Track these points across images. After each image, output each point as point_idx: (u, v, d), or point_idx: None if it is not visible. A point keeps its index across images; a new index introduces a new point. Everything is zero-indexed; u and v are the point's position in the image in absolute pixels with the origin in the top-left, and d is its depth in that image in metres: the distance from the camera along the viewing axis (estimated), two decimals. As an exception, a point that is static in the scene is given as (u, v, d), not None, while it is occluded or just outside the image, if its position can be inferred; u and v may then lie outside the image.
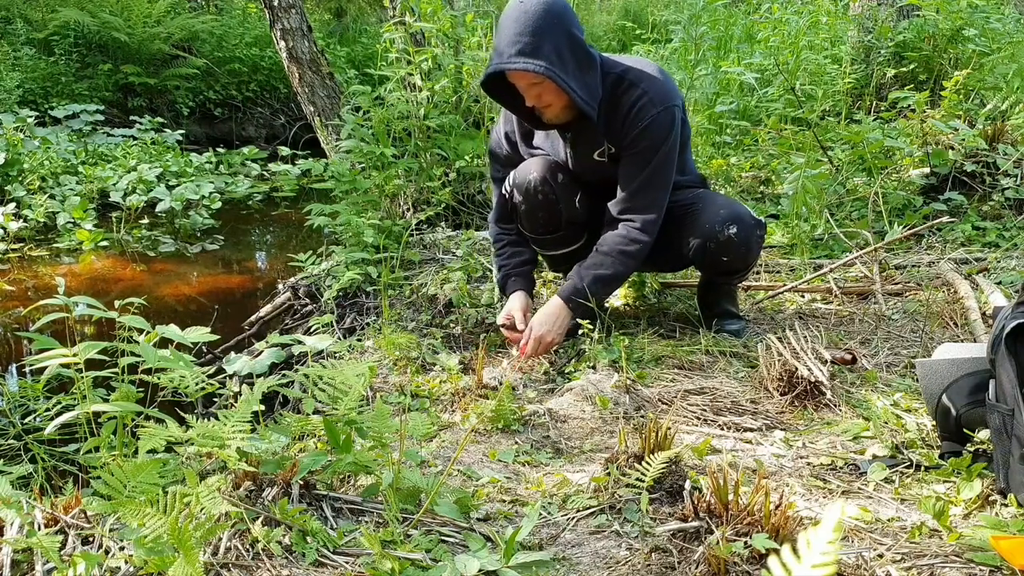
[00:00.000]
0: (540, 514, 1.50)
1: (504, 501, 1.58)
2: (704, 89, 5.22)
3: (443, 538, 1.40)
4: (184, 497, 1.25)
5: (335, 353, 2.50)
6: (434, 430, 1.95)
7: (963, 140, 3.71)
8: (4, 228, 4.94)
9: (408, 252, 3.29)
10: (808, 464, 1.74)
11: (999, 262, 3.04)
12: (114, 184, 5.94)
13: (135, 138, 7.29)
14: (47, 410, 2.06)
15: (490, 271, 3.03)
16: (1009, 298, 2.47)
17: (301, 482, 1.46)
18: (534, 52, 2.15)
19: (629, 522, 1.46)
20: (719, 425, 1.97)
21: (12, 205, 5.25)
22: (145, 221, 5.63)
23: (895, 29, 5.36)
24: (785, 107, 4.53)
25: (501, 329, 2.51)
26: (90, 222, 5.24)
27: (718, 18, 6.11)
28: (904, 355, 2.36)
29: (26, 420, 2.21)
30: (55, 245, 4.95)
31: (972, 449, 1.62)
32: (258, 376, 2.06)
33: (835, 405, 2.03)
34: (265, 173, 7.32)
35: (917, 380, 1.91)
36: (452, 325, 2.69)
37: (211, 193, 6.11)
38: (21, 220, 5.13)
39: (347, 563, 1.31)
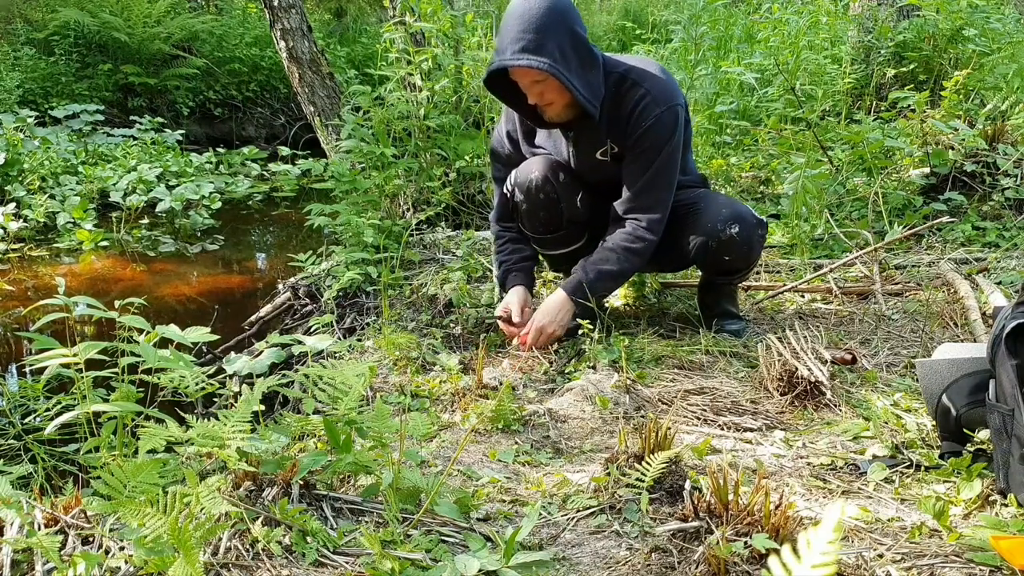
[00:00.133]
0: (540, 514, 1.49)
1: (504, 501, 1.58)
2: (704, 89, 5.22)
3: (443, 538, 1.40)
4: (184, 497, 1.25)
5: (335, 353, 2.50)
6: (434, 430, 1.95)
7: (963, 140, 3.71)
8: (4, 228, 4.94)
9: (408, 252, 3.29)
10: (808, 464, 1.74)
11: (999, 262, 3.04)
12: (114, 184, 5.94)
13: (135, 138, 7.29)
14: (47, 410, 2.06)
15: (490, 271, 3.03)
16: (1009, 298, 2.47)
17: (301, 482, 1.46)
18: (538, 49, 2.15)
19: (629, 522, 1.46)
20: (719, 425, 1.97)
21: (12, 205, 5.25)
22: (145, 221, 5.63)
23: (895, 29, 5.36)
24: (785, 107, 4.52)
25: (498, 322, 2.51)
26: (90, 222, 5.24)
27: (718, 18, 6.11)
28: (904, 355, 2.36)
29: (26, 420, 2.21)
30: (55, 245, 4.95)
31: (972, 449, 1.62)
32: (258, 376, 2.06)
33: (835, 405, 2.03)
34: (265, 173, 7.32)
35: (917, 380, 1.91)
36: (452, 325, 2.69)
37: (211, 193, 6.12)
38: (21, 220, 5.13)
39: (347, 563, 1.31)
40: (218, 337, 1.70)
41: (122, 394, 1.55)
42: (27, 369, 3.09)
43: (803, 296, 2.93)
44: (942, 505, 1.42)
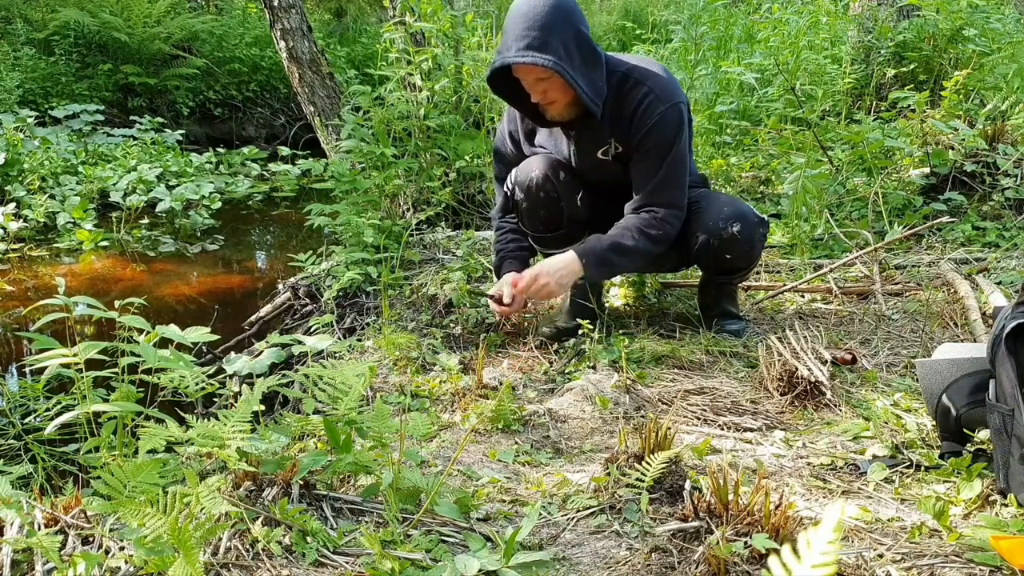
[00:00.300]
0: (540, 514, 1.50)
1: (504, 501, 1.58)
2: (704, 89, 5.22)
3: (443, 538, 1.40)
4: (184, 497, 1.25)
5: (335, 353, 2.50)
6: (434, 430, 1.95)
7: (963, 140, 3.71)
8: (4, 228, 4.94)
9: (408, 252, 3.29)
10: (808, 464, 1.74)
11: (999, 262, 3.04)
12: (114, 184, 5.94)
13: (135, 138, 7.29)
14: (47, 410, 2.06)
15: (490, 271, 3.03)
16: (1009, 298, 2.47)
17: (301, 482, 1.46)
18: (542, 47, 2.15)
19: (629, 522, 1.46)
20: (719, 425, 1.97)
21: (12, 205, 5.25)
22: (145, 221, 5.63)
23: (895, 29, 5.36)
24: (785, 107, 4.53)
25: (488, 300, 2.50)
26: (90, 222, 5.24)
27: (718, 18, 6.11)
28: (904, 355, 2.36)
29: (26, 420, 2.21)
30: (55, 245, 4.95)
31: (972, 449, 1.62)
32: (258, 376, 2.06)
33: (835, 405, 2.03)
34: (265, 173, 7.32)
35: (917, 380, 1.91)
36: (452, 325, 2.69)
37: (211, 193, 6.11)
38: (21, 220, 5.13)
39: (347, 563, 1.31)
40: (218, 337, 1.70)
41: (122, 394, 1.55)
42: (27, 369, 3.09)
43: (803, 296, 2.93)
44: (942, 505, 1.42)
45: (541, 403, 2.12)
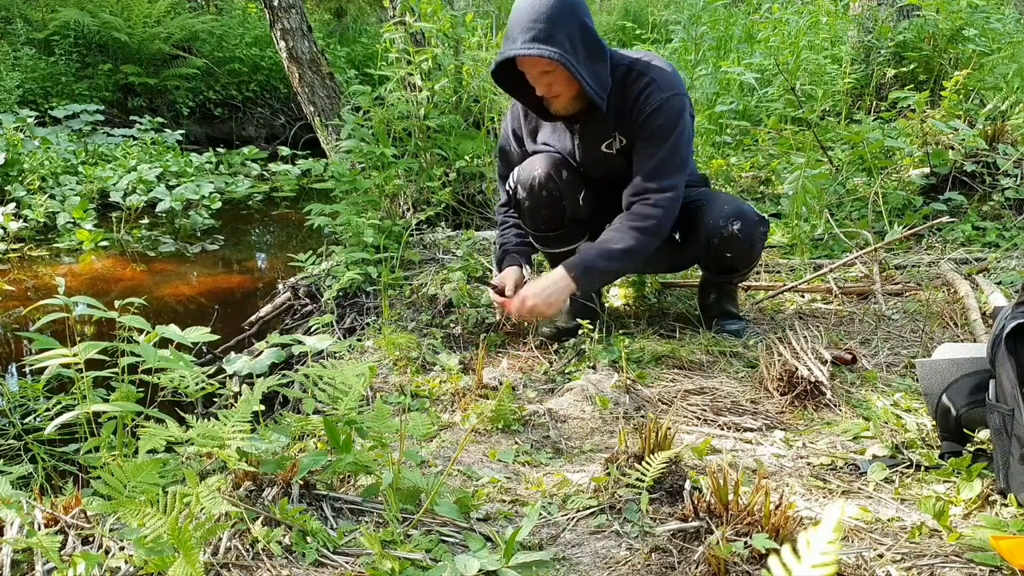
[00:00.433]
0: (540, 514, 1.49)
1: (504, 501, 1.58)
2: (704, 89, 5.22)
3: (443, 538, 1.40)
4: (184, 497, 1.25)
5: (335, 353, 2.50)
6: (434, 430, 1.95)
7: (963, 140, 3.71)
8: (4, 228, 4.94)
9: (408, 252, 3.29)
10: (808, 464, 1.74)
11: (999, 262, 3.04)
12: (114, 184, 5.94)
13: (135, 138, 7.29)
14: (47, 410, 2.06)
15: (490, 271, 3.03)
16: (1009, 298, 2.47)
17: (301, 482, 1.46)
18: (548, 39, 2.16)
19: (629, 522, 1.46)
20: (719, 425, 1.97)
21: (12, 205, 5.25)
22: (145, 221, 5.63)
23: (895, 29, 5.36)
24: (785, 107, 4.52)
25: (491, 292, 2.50)
26: (90, 222, 5.24)
27: (718, 18, 6.11)
28: (904, 355, 2.36)
29: (26, 420, 2.21)
30: (55, 245, 4.95)
31: (972, 449, 1.62)
32: (258, 376, 2.06)
33: (835, 405, 2.03)
34: (265, 173, 7.32)
35: (917, 380, 1.91)
36: (452, 325, 2.69)
37: (211, 193, 6.12)
38: (21, 220, 5.13)
39: (347, 563, 1.31)
40: (218, 337, 1.70)
41: (122, 394, 1.55)
42: (27, 369, 3.09)
43: (803, 296, 2.93)
44: (942, 505, 1.42)
45: (541, 403, 2.12)
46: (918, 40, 5.26)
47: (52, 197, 5.51)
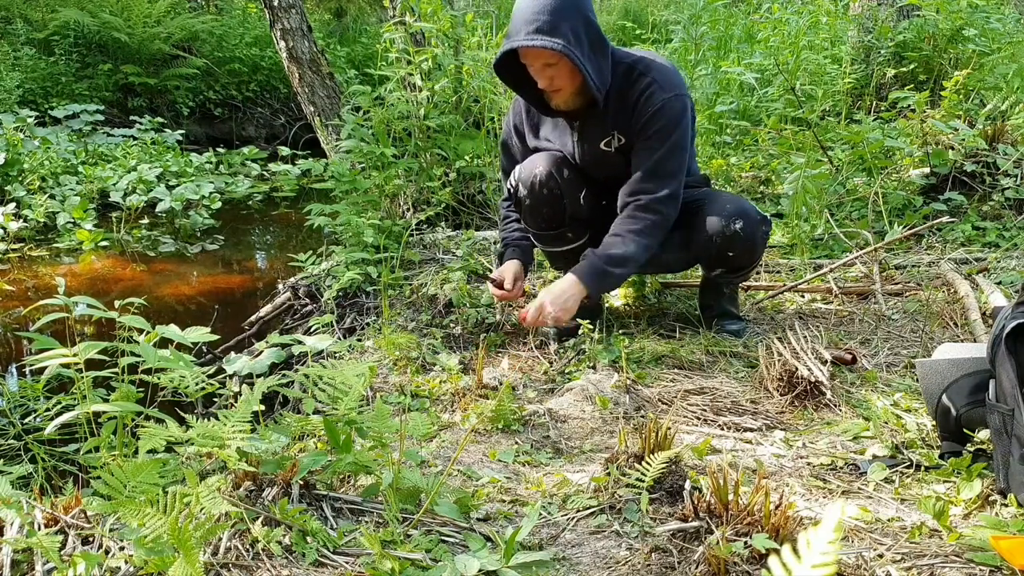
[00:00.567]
0: (540, 514, 1.50)
1: (504, 501, 1.58)
2: (704, 89, 5.22)
3: (443, 538, 1.40)
4: (184, 497, 1.25)
5: (335, 353, 2.50)
6: (434, 430, 1.95)
7: (963, 140, 3.71)
8: (4, 228, 4.94)
9: (408, 252, 3.29)
10: (808, 464, 1.74)
11: (999, 262, 3.04)
12: (114, 184, 5.94)
13: (135, 138, 7.29)
14: (47, 410, 2.06)
15: (490, 270, 3.04)
16: (1009, 298, 2.47)
17: (301, 482, 1.46)
18: (552, 31, 2.16)
19: (629, 522, 1.46)
20: (719, 425, 1.97)
21: (12, 205, 5.25)
22: (145, 221, 5.63)
23: (895, 29, 5.36)
24: (785, 107, 4.53)
25: (489, 285, 2.50)
26: (90, 222, 5.24)
27: (718, 18, 6.11)
28: (904, 355, 2.36)
29: (26, 420, 2.21)
30: (55, 245, 4.95)
31: (972, 449, 1.62)
32: (258, 376, 2.06)
33: (835, 405, 2.03)
34: (265, 173, 7.32)
35: (917, 380, 1.91)
36: (452, 325, 2.69)
37: (211, 193, 6.11)
38: (21, 220, 5.13)
39: (347, 563, 1.31)
40: (218, 337, 1.70)
41: (122, 394, 1.55)
42: (27, 369, 3.09)
43: (803, 296, 2.93)
44: (942, 505, 1.42)
45: (541, 403, 2.12)
46: (918, 40, 5.26)
47: (52, 197, 5.51)
